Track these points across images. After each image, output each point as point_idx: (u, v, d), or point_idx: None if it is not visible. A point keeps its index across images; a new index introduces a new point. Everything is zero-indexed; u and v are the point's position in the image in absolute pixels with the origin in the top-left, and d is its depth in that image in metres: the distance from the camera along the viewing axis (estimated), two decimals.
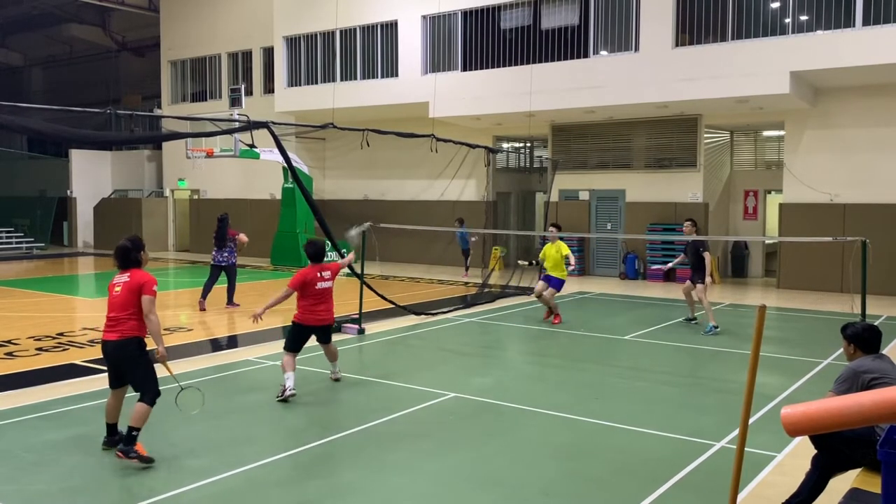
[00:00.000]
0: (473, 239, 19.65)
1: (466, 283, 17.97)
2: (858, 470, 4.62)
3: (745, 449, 4.04)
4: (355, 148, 14.03)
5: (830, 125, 17.02)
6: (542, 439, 6.62)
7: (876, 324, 5.74)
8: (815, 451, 4.72)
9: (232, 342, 11.48)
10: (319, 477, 5.71)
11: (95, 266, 23.50)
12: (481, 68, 19.58)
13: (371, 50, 21.65)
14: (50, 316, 13.30)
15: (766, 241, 19.87)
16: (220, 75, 27.14)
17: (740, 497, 5.13)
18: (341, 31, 22.06)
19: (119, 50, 34.47)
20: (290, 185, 21.24)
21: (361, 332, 11.51)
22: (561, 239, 12.97)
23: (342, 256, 10.73)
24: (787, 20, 15.62)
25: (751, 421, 5.48)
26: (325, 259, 8.35)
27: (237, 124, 13.60)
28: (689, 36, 16.77)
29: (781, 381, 8.60)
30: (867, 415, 3.15)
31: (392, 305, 12.85)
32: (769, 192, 19.91)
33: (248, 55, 26.36)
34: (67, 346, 10.39)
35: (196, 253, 26.63)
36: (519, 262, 14.79)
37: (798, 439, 6.03)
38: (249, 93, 24.25)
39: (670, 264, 13.87)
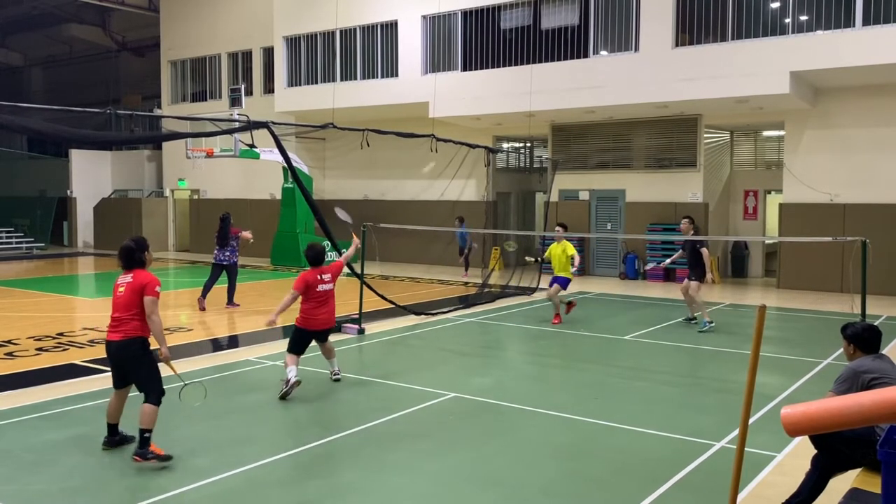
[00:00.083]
0: (475, 246, 19.67)
1: (466, 283, 17.97)
2: (858, 470, 4.62)
3: (745, 449, 4.03)
4: (355, 148, 14.03)
5: (830, 125, 17.03)
6: (542, 439, 6.62)
7: (876, 324, 5.74)
8: (815, 451, 4.72)
9: (232, 342, 11.48)
10: (319, 477, 5.71)
11: (95, 266, 23.51)
12: (481, 68, 19.59)
13: (371, 50, 21.66)
14: (50, 316, 13.30)
15: (766, 241, 19.88)
16: (220, 75, 27.15)
17: (740, 497, 5.14)
18: (341, 31, 22.06)
19: (119, 50, 34.47)
20: (290, 185, 21.24)
21: (361, 332, 11.51)
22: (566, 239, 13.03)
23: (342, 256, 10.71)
24: (787, 20, 15.62)
25: (751, 421, 5.48)
26: (326, 261, 8.38)
27: (237, 124, 13.59)
28: (689, 36, 16.77)
29: (781, 381, 8.60)
30: (867, 415, 3.15)
31: (392, 305, 12.86)
32: (769, 192, 19.91)
33: (248, 55, 26.37)
34: (67, 346, 10.39)
35: (196, 253, 26.63)
36: (527, 258, 14.88)
37: (798, 439, 6.03)
38: (249, 93, 24.26)
39: (667, 261, 13.97)
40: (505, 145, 24.14)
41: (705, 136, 19.01)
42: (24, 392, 8.02)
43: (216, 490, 5.41)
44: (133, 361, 5.98)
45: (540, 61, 18.46)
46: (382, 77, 21.41)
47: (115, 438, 6.18)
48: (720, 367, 9.71)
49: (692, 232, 12.44)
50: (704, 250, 12.15)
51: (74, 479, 5.59)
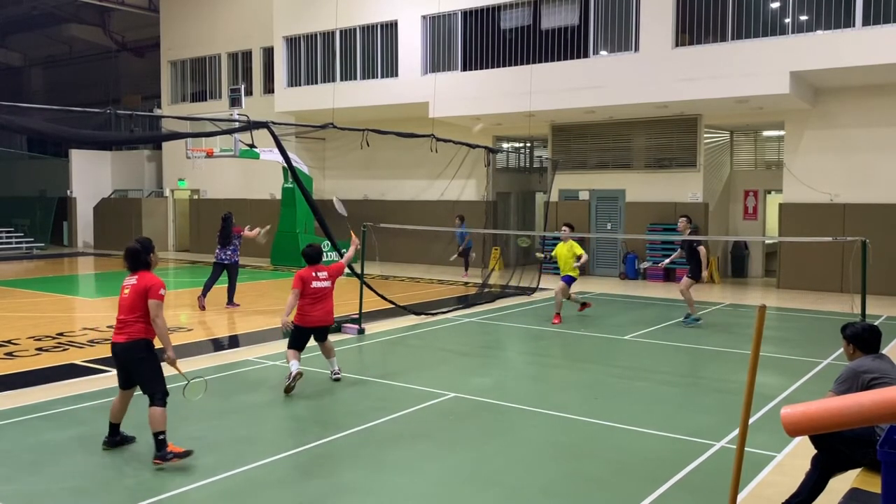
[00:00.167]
0: (472, 255, 19.65)
1: (466, 283, 17.97)
2: (858, 470, 4.62)
3: (745, 449, 4.04)
4: (355, 148, 14.02)
5: (830, 125, 17.03)
6: (542, 439, 6.62)
7: (876, 324, 5.74)
8: (815, 451, 4.72)
9: (232, 342, 11.48)
10: (319, 477, 5.71)
11: (95, 266, 23.50)
12: (481, 68, 19.59)
13: (371, 50, 21.66)
14: (50, 316, 13.30)
15: (766, 241, 19.88)
16: (220, 75, 27.15)
17: (740, 497, 5.14)
18: (341, 31, 22.06)
19: (119, 50, 34.47)
20: (290, 185, 21.24)
21: (361, 332, 11.51)
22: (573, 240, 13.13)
23: (342, 256, 10.72)
24: (787, 20, 15.62)
25: (751, 421, 5.48)
26: (326, 261, 8.43)
27: (237, 124, 13.59)
28: (689, 36, 16.78)
29: (781, 381, 8.60)
30: (867, 415, 3.15)
31: (392, 305, 12.86)
32: (769, 192, 19.91)
33: (247, 55, 26.37)
34: (67, 346, 10.39)
35: (196, 253, 26.62)
36: (537, 254, 14.99)
37: (798, 439, 6.03)
38: (249, 93, 24.26)
39: (665, 261, 14.13)
40: (505, 145, 24.14)
41: (705, 136, 19.01)
42: (24, 392, 8.02)
43: (216, 490, 5.41)
44: (136, 363, 5.99)
45: (540, 61, 18.46)
46: (382, 77, 21.41)
47: (115, 439, 6.19)
48: (720, 367, 9.71)
49: (689, 231, 12.59)
50: (702, 248, 12.29)
51: (74, 479, 5.59)
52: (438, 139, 14.79)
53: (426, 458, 6.13)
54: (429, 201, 21.81)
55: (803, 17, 15.47)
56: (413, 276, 19.69)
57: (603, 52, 17.92)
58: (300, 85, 23.25)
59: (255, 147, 16.61)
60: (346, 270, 9.83)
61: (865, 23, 14.69)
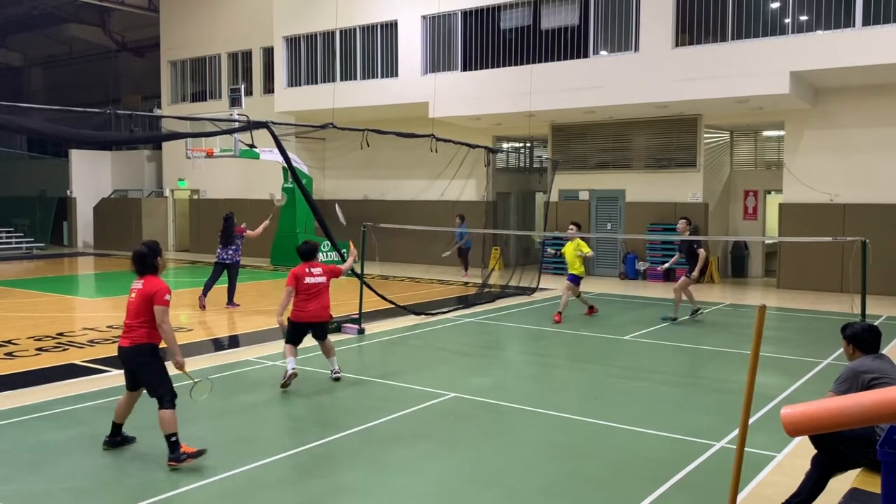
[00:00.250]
0: (468, 259, 19.66)
1: (466, 283, 17.96)
2: (858, 470, 4.62)
3: (745, 449, 4.04)
4: (355, 148, 14.02)
5: (830, 125, 17.02)
6: (542, 439, 6.62)
7: (876, 324, 5.74)
8: (815, 451, 4.72)
9: (232, 342, 11.48)
10: (319, 477, 5.71)
11: (95, 266, 23.50)
12: (481, 68, 19.58)
13: (371, 50, 21.65)
14: (50, 316, 13.30)
15: (766, 241, 19.88)
16: (220, 75, 27.14)
17: (740, 497, 5.14)
18: (341, 31, 22.06)
19: (119, 50, 34.47)
20: (290, 185, 21.23)
21: (361, 332, 11.50)
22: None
23: (342, 256, 10.73)
24: (787, 20, 15.62)
25: (751, 421, 5.48)
26: (325, 261, 8.46)
27: (237, 124, 13.59)
28: (689, 36, 16.77)
29: (781, 381, 8.60)
30: (867, 415, 3.15)
31: (392, 305, 12.86)
32: (769, 192, 19.91)
33: (247, 55, 26.36)
34: (67, 346, 10.39)
35: (196, 253, 26.62)
36: (549, 249, 15.09)
37: (798, 439, 6.03)
38: (249, 93, 24.24)
39: (666, 264, 14.23)
40: (505, 145, 24.13)
41: (705, 136, 19.01)
42: (24, 392, 8.02)
43: (216, 490, 5.41)
44: (140, 367, 6.01)
45: (540, 61, 18.46)
46: (382, 77, 21.40)
47: (116, 439, 6.19)
48: (720, 367, 9.72)
49: (688, 232, 12.65)
50: (701, 251, 12.34)
51: (74, 479, 5.59)
52: (438, 139, 14.80)
53: (426, 458, 6.14)
54: (429, 201, 21.81)
55: (803, 17, 15.47)
56: (413, 276, 19.69)
57: (603, 52, 17.92)
58: (300, 85, 23.24)
59: (255, 147, 16.61)
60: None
61: (865, 23, 14.68)
